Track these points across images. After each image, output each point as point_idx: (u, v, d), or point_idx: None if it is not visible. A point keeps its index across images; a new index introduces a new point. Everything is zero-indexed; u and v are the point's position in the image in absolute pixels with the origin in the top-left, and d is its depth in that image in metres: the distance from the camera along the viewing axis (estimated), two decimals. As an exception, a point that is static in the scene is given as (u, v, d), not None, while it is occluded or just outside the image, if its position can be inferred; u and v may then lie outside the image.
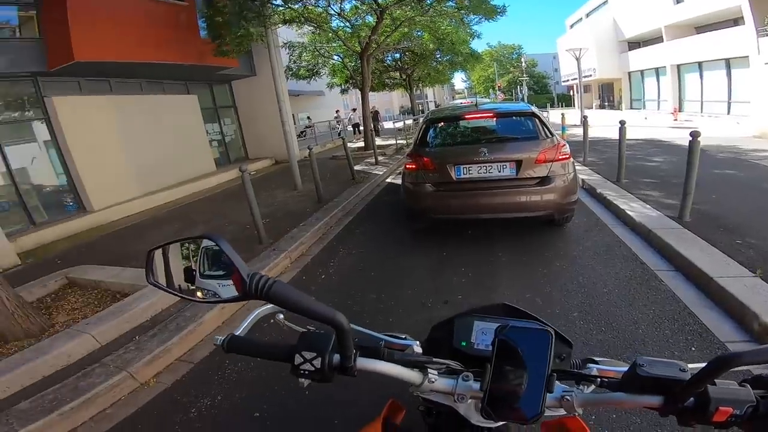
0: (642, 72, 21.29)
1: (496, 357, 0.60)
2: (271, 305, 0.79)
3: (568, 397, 0.58)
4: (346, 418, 1.96)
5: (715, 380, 0.50)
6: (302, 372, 0.60)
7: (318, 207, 6.09)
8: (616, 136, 5.83)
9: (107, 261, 4.42)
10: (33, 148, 6.91)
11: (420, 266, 3.77)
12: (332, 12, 10.95)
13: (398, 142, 13.39)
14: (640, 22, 19.89)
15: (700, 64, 15.97)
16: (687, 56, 16.49)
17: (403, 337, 0.80)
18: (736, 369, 0.50)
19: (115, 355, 2.64)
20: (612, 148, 8.34)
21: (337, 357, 0.60)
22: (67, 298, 3.69)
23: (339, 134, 17.94)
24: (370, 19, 12.05)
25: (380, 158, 10.56)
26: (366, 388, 2.07)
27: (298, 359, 0.59)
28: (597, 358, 0.69)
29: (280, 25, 9.35)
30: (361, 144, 13.37)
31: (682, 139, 9.41)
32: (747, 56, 12.40)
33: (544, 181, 3.74)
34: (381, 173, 8.88)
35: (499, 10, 10.68)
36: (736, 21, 13.55)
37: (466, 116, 4.30)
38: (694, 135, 3.71)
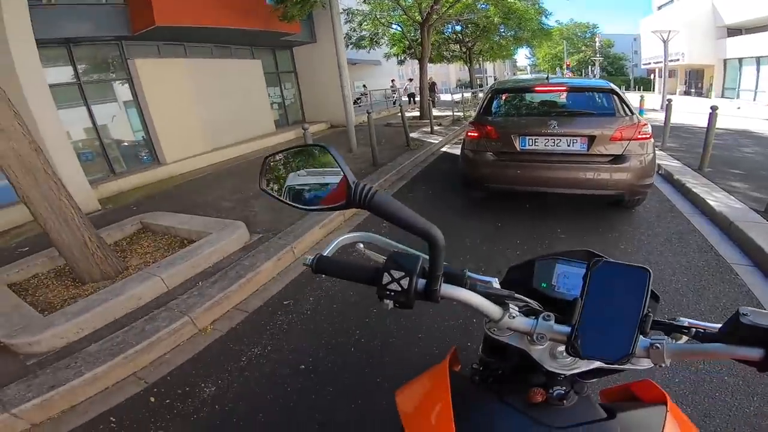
0: (740, 60, 19.34)
1: (588, 291, 0.57)
2: (352, 234, 0.82)
3: (658, 345, 0.55)
4: (388, 377, 2.02)
5: None
6: (388, 292, 0.59)
7: (373, 169, 6.19)
8: (701, 123, 5.26)
9: (177, 209, 4.76)
10: (114, 107, 7.52)
11: (473, 235, 3.72)
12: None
13: (455, 114, 13.04)
14: (745, 8, 18.10)
15: None
16: None
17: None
18: None
19: (179, 300, 2.76)
20: (696, 135, 7.55)
21: (422, 282, 0.60)
22: (141, 243, 3.93)
23: (394, 103, 17.74)
24: None
25: (436, 128, 10.41)
26: (410, 359, 2.15)
27: (386, 278, 0.59)
28: (683, 318, 0.65)
29: None
30: (417, 113, 13.16)
31: (781, 130, 8.40)
32: None
33: (618, 159, 3.51)
34: (436, 142, 8.77)
35: None
36: None
37: (536, 88, 4.09)
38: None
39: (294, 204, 0.67)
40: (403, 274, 0.59)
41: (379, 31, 13.79)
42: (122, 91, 7.60)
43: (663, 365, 0.56)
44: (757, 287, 2.62)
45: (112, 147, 7.43)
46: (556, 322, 0.61)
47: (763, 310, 0.53)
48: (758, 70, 17.99)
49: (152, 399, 2.06)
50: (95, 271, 3.07)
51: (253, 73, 10.49)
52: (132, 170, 7.43)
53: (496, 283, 0.71)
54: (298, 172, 0.69)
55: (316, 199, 0.66)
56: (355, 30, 13.44)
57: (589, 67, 40.40)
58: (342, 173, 0.58)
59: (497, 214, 4.14)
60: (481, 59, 22.18)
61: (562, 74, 36.58)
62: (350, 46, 13.42)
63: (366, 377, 2.05)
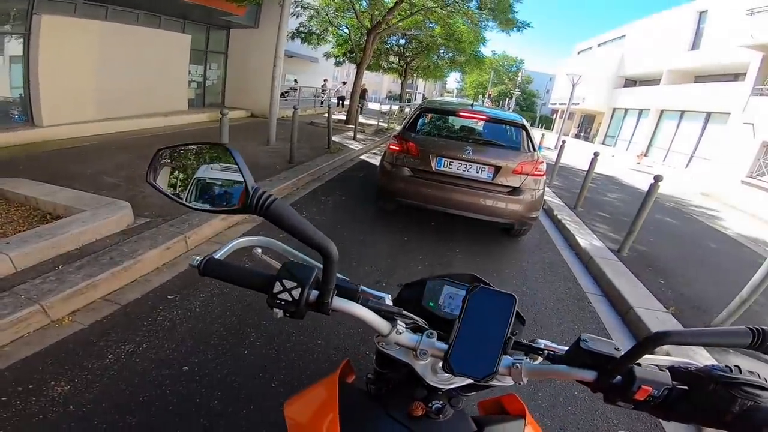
0: (626, 111, 21.79)
1: (465, 312, 0.63)
2: (249, 238, 0.79)
3: (518, 365, 0.62)
4: (284, 382, 1.94)
5: (641, 364, 0.56)
6: (279, 301, 0.59)
7: (288, 167, 5.98)
8: (582, 165, 6.12)
9: (45, 178, 4.05)
10: (-5, 59, 6.30)
11: (380, 246, 3.81)
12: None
13: (380, 123, 13.31)
14: (645, 62, 20.23)
15: (682, 113, 16.36)
16: (673, 103, 16.84)
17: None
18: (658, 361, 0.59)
19: (30, 284, 2.33)
20: (576, 177, 8.77)
21: (315, 293, 0.60)
22: None
23: (322, 103, 17.53)
24: (388, 0, 11.96)
25: (359, 135, 10.48)
26: (307, 365, 2.10)
27: (277, 287, 0.59)
28: (542, 340, 0.74)
29: None
30: (343, 117, 13.19)
31: (639, 182, 10.19)
32: (729, 113, 12.58)
33: (515, 191, 3.87)
34: (356, 149, 8.81)
35: (519, 25, 10.83)
36: (737, 76, 13.81)
37: (460, 113, 4.35)
38: (657, 179, 3.97)
39: (183, 202, 0.63)
40: (296, 284, 0.59)
41: (328, 29, 13.66)
42: (12, 45, 6.43)
43: (521, 383, 0.64)
44: (604, 314, 3.18)
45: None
46: (439, 339, 0.65)
47: (600, 338, 0.61)
48: (637, 122, 19.93)
49: None
50: None
51: (178, 48, 9.63)
52: (-6, 127, 6.16)
53: (388, 300, 0.75)
54: (193, 169, 0.65)
55: (210, 199, 0.63)
56: (304, 24, 13.15)
57: (507, 99, 44.27)
58: (242, 176, 0.55)
59: (405, 228, 4.31)
60: (415, 75, 23.05)
61: (482, 103, 39.77)
62: (296, 39, 13.13)
63: (259, 381, 1.94)
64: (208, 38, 11.25)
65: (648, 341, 0.52)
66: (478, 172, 3.89)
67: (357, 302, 0.65)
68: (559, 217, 5.52)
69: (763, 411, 0.49)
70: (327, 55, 16.48)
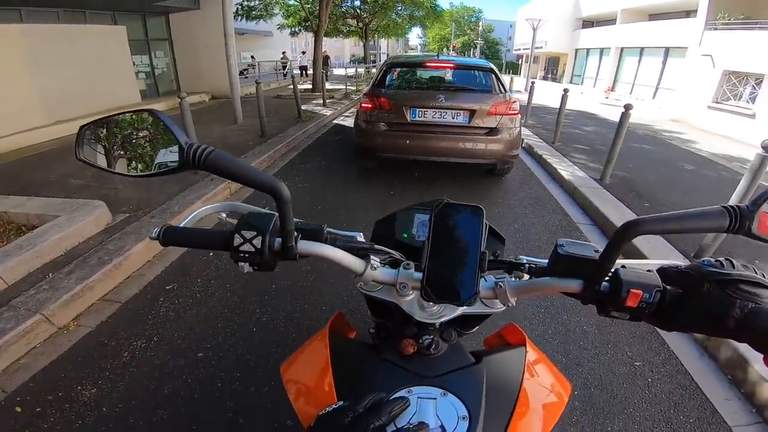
0: (588, 50, 22.28)
1: (432, 234, 0.60)
2: (212, 205, 0.75)
3: (501, 284, 0.60)
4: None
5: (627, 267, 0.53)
6: (242, 255, 0.56)
7: (261, 141, 5.86)
8: (555, 104, 6.14)
9: (9, 191, 3.82)
10: None
11: (367, 201, 3.83)
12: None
13: (348, 88, 13.03)
14: (599, 3, 20.58)
15: (642, 49, 16.83)
16: (632, 40, 17.27)
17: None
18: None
19: (25, 296, 2.29)
20: (550, 114, 8.81)
21: (278, 241, 0.57)
22: None
23: (284, 75, 16.92)
24: None
25: (328, 101, 10.28)
26: (316, 331, 2.10)
27: (237, 240, 0.56)
28: (525, 256, 0.71)
29: None
30: (309, 86, 12.81)
31: (611, 114, 10.36)
32: (686, 47, 13.07)
33: (492, 131, 3.91)
34: (328, 114, 8.68)
35: None
36: (689, 13, 14.27)
37: (427, 64, 4.38)
38: (627, 108, 4.01)
39: (119, 172, 0.61)
40: (255, 233, 0.56)
41: (273, 1, 12.93)
42: None
43: (510, 304, 0.62)
44: (597, 242, 3.21)
45: None
46: (417, 269, 0.62)
47: (578, 241, 0.58)
48: (600, 60, 20.66)
49: (18, 409, 1.69)
50: None
51: (114, 41, 9.04)
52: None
53: (360, 237, 0.71)
54: (123, 138, 0.63)
55: (146, 165, 0.60)
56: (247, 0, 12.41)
57: (471, 49, 43.72)
58: (173, 136, 0.53)
59: (389, 183, 4.32)
60: (376, 36, 22.38)
61: (448, 55, 39.07)
62: (239, 18, 12.33)
63: (273, 357, 1.96)
64: (146, 26, 10.61)
65: (619, 234, 0.48)
66: (453, 118, 3.92)
67: (324, 242, 0.63)
68: (539, 153, 5.59)
69: (765, 315, 0.43)
70: (280, 27, 15.84)
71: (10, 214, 3.28)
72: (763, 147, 2.41)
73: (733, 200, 2.66)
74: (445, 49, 44.08)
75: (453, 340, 0.66)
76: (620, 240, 0.48)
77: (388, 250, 0.67)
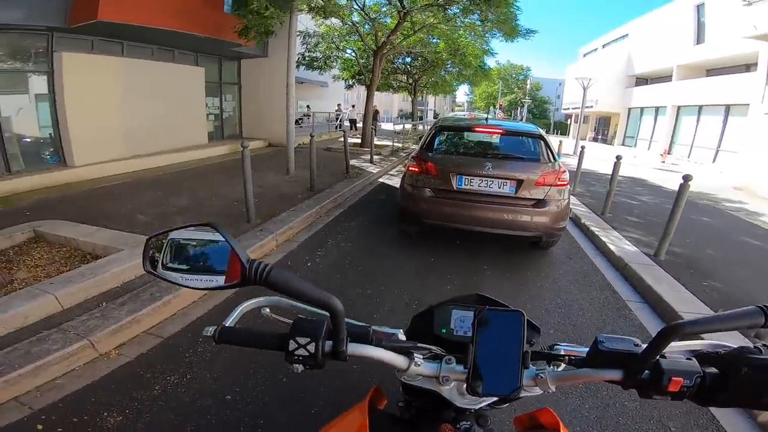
0: (642, 109, 21.47)
1: (477, 337, 0.65)
2: (256, 300, 0.83)
3: (542, 375, 0.63)
4: (322, 407, 1.95)
5: (666, 356, 0.56)
6: (296, 357, 0.61)
7: (309, 195, 6.07)
8: (604, 169, 5.98)
9: (82, 219, 4.26)
10: (23, 99, 6.68)
11: (407, 268, 3.79)
12: (355, 7, 11.08)
13: (395, 144, 13.39)
14: (653, 59, 20.05)
15: (700, 107, 16.01)
16: (690, 98, 16.50)
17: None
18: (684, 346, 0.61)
19: (77, 321, 2.47)
20: (599, 181, 8.58)
21: (329, 343, 0.62)
22: (31, 254, 3.48)
23: (337, 127, 17.76)
24: (389, 21, 12.28)
25: (375, 157, 10.57)
26: (338, 384, 2.11)
27: (292, 345, 0.61)
28: (561, 344, 0.74)
29: (305, 10, 9.20)
30: (357, 140, 13.32)
31: (666, 181, 9.88)
32: (747, 104, 12.11)
33: (539, 203, 3.81)
34: (375, 172, 8.88)
35: (521, 32, 10.72)
36: (749, 67, 13.38)
37: (476, 128, 4.36)
38: (686, 179, 3.82)
39: (185, 285, 0.66)
40: (309, 339, 0.61)
41: (333, 54, 14.00)
42: (37, 83, 6.78)
43: (550, 391, 0.64)
44: (648, 321, 3.02)
45: (12, 142, 6.49)
46: (458, 363, 0.66)
47: (615, 336, 0.62)
48: (655, 120, 19.68)
49: (40, 427, 1.78)
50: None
51: (194, 81, 9.98)
52: (31, 170, 6.51)
53: (401, 334, 0.76)
54: (187, 250, 0.68)
55: (207, 279, 0.65)
56: (310, 51, 13.53)
57: (518, 108, 44.18)
58: (235, 252, 0.58)
59: (430, 249, 4.27)
60: (424, 92, 23.35)
61: (495, 113, 39.90)
62: (302, 67, 13.41)
63: (299, 408, 1.96)
64: (221, 70, 11.53)
65: (663, 335, 0.52)
66: (500, 187, 3.85)
67: (371, 344, 0.67)
68: (587, 224, 5.38)
69: None
70: (335, 78, 16.76)
71: (79, 242, 3.61)
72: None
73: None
74: (491, 107, 44.96)
75: (488, 426, 0.70)
76: (664, 340, 0.53)
77: (428, 347, 0.71)
